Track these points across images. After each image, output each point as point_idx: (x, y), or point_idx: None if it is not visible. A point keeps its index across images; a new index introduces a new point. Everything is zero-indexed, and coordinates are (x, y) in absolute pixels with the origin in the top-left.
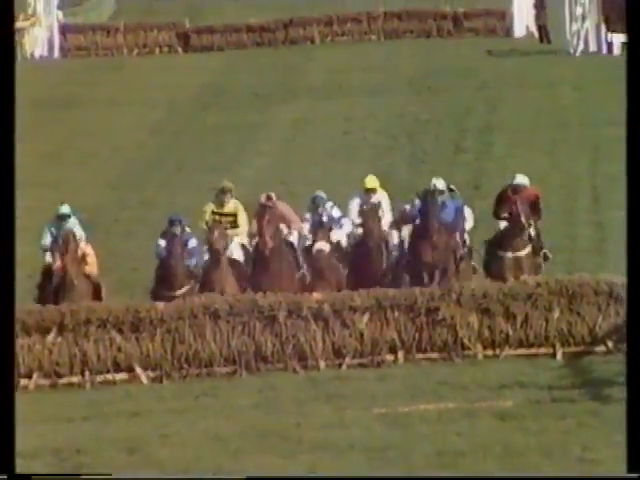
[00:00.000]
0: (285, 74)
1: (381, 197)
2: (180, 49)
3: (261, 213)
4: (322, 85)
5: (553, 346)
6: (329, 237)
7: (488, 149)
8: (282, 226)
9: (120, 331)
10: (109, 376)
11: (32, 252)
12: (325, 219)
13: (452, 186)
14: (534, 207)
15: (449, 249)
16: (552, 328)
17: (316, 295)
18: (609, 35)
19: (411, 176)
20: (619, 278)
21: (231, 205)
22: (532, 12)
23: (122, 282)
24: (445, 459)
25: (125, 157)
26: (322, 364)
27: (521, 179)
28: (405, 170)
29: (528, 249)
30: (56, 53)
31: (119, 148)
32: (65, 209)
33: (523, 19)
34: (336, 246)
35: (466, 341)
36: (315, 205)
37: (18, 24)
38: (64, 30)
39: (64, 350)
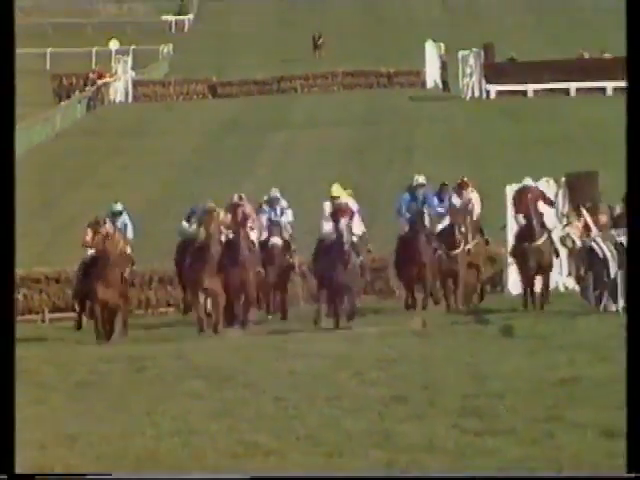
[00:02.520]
0: (278, 113)
1: (346, 201)
2: (210, 96)
3: (234, 210)
4: (302, 120)
5: None
6: (282, 233)
7: (410, 160)
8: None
9: None
10: None
11: None
12: (278, 217)
13: (445, 182)
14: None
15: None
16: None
17: None
18: (487, 86)
19: (365, 179)
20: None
21: None
22: (438, 71)
23: None
24: (382, 364)
25: (175, 168)
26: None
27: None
28: (360, 176)
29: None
30: (130, 99)
31: (170, 161)
32: (118, 206)
33: (432, 76)
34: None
35: None
36: (271, 204)
37: (105, 79)
38: (135, 84)
39: None
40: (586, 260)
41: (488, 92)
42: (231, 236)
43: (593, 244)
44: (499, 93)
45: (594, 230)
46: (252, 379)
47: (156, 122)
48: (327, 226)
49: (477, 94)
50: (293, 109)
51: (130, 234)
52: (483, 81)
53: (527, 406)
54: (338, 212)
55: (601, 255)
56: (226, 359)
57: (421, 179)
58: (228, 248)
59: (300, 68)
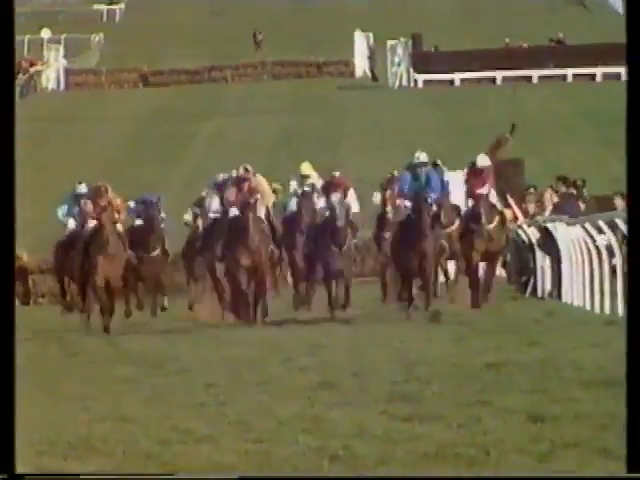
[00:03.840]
0: (209, 101)
1: (316, 181)
2: (141, 85)
3: (239, 184)
4: (232, 109)
5: None
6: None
7: (338, 149)
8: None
9: None
10: None
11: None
12: None
13: (437, 161)
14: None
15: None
16: None
17: None
18: (415, 75)
19: (295, 167)
20: None
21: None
22: (367, 61)
23: None
24: (311, 350)
25: (107, 156)
26: None
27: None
28: (289, 164)
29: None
30: (62, 87)
31: (102, 148)
32: (83, 188)
33: (361, 65)
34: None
35: None
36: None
37: (37, 67)
38: (67, 72)
39: None
40: (512, 247)
41: (416, 81)
42: (236, 213)
43: (519, 231)
44: (427, 82)
45: (520, 217)
46: (183, 366)
47: (88, 110)
48: (294, 204)
49: (405, 83)
50: (223, 98)
51: None
52: (411, 70)
53: (454, 391)
54: (330, 186)
55: (527, 242)
56: (156, 345)
57: (422, 156)
58: (233, 227)
59: (230, 58)
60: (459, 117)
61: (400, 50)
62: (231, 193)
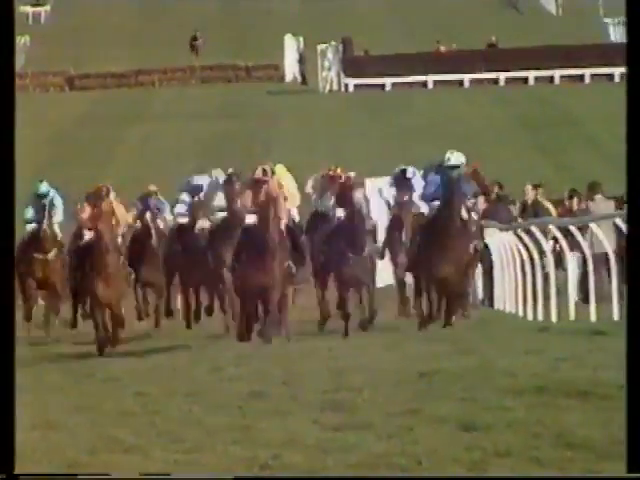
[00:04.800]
0: (136, 105)
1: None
2: (67, 88)
3: (257, 188)
4: (160, 113)
5: None
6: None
7: (268, 154)
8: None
9: None
10: None
11: None
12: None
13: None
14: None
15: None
16: None
17: None
18: (346, 79)
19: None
20: None
21: None
22: (297, 65)
23: None
24: (241, 360)
25: (32, 159)
26: None
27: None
28: (216, 166)
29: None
30: None
31: (27, 152)
32: (44, 187)
33: (291, 69)
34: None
35: None
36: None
37: None
38: None
39: None
40: None
41: (346, 86)
42: (252, 220)
43: None
44: (357, 87)
45: None
46: (112, 374)
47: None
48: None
49: (335, 88)
50: (151, 102)
51: (59, 217)
52: (342, 75)
53: (386, 400)
54: (353, 188)
55: None
56: (85, 353)
57: (453, 158)
58: (247, 239)
59: (157, 61)
60: (390, 122)
61: (330, 54)
62: (246, 197)
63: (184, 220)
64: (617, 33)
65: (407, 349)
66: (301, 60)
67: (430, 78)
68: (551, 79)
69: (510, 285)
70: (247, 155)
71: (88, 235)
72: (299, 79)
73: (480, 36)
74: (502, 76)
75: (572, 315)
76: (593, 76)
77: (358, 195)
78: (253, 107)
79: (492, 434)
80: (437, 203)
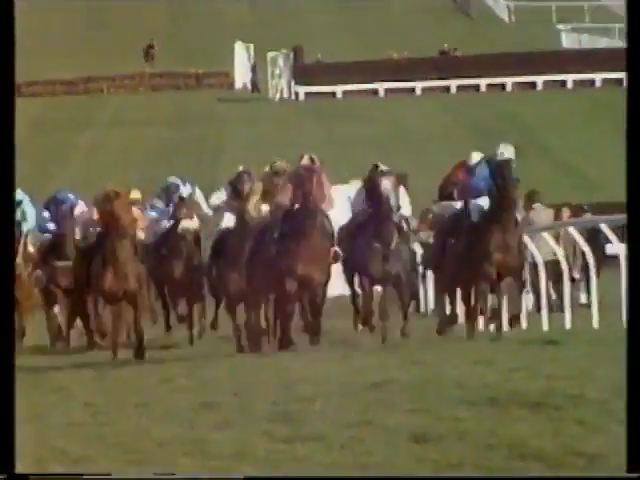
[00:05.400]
0: (85, 113)
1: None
2: (15, 95)
3: (304, 177)
4: (109, 121)
5: None
6: (192, 216)
7: (218, 162)
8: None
9: None
10: None
11: None
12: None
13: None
14: None
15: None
16: None
17: None
18: (296, 87)
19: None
20: None
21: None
22: (248, 73)
23: None
24: (191, 370)
25: None
26: None
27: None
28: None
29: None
30: None
31: None
32: (18, 195)
33: (241, 77)
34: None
35: None
36: (169, 191)
37: None
38: None
39: None
40: None
41: (297, 94)
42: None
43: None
44: (308, 94)
45: None
46: (61, 384)
47: None
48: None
49: (286, 96)
50: (100, 110)
51: (30, 225)
52: (292, 83)
53: (337, 411)
54: (379, 177)
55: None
56: (33, 363)
57: (507, 152)
58: (293, 226)
59: (106, 68)
60: (341, 129)
61: (281, 62)
62: (287, 190)
63: (164, 225)
64: (569, 40)
65: (358, 360)
66: (253, 68)
67: (381, 86)
68: (503, 86)
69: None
70: (197, 162)
71: (92, 237)
72: (249, 87)
73: (433, 44)
74: (454, 83)
75: (524, 324)
76: (545, 83)
77: (385, 183)
78: (203, 114)
79: (444, 445)
80: (481, 201)
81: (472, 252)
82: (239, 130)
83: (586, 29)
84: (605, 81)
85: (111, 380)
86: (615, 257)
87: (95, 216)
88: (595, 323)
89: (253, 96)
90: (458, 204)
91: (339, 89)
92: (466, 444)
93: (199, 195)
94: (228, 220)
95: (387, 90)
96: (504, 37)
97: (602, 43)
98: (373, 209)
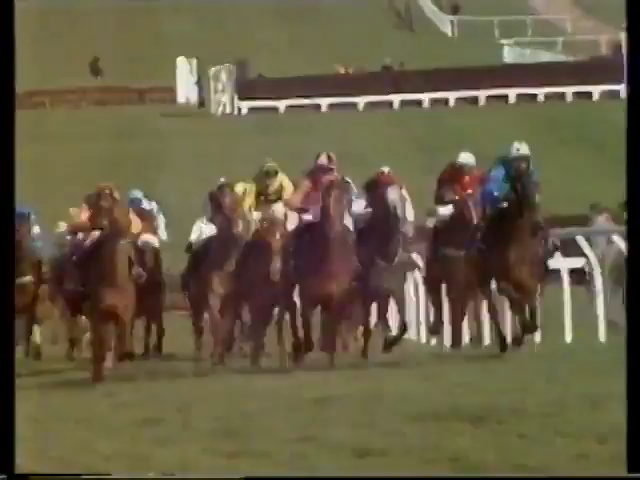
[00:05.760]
0: (27, 127)
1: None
2: None
3: (318, 176)
4: (52, 135)
5: None
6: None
7: (161, 177)
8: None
9: None
10: None
11: None
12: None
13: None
14: None
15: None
16: None
17: None
18: (239, 102)
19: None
20: None
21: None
22: (191, 88)
23: None
24: (133, 385)
25: None
26: None
27: (466, 158)
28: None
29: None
30: None
31: None
32: None
33: (184, 92)
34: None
35: None
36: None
37: None
38: None
39: None
40: None
41: (240, 108)
42: (310, 217)
43: None
44: (251, 109)
45: None
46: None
47: None
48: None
49: (229, 110)
50: (43, 124)
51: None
52: (235, 97)
53: (281, 427)
54: (379, 184)
55: None
56: None
57: (523, 148)
58: (309, 235)
59: (52, 83)
60: (284, 144)
61: (224, 76)
62: (303, 194)
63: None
64: (512, 54)
65: (301, 375)
66: (196, 82)
67: (324, 101)
68: (446, 101)
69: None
70: (139, 178)
71: (89, 236)
72: (192, 102)
73: (376, 58)
74: (397, 98)
75: (466, 339)
76: (488, 98)
77: (392, 193)
78: (146, 129)
79: (387, 460)
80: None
81: (484, 264)
82: (182, 145)
83: (529, 43)
84: (548, 95)
85: (54, 394)
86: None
87: (84, 217)
88: (538, 337)
89: (196, 111)
90: (447, 210)
91: (282, 104)
92: (409, 458)
93: (161, 219)
94: (210, 231)
95: (330, 105)
96: (447, 52)
97: (545, 57)
98: (377, 219)
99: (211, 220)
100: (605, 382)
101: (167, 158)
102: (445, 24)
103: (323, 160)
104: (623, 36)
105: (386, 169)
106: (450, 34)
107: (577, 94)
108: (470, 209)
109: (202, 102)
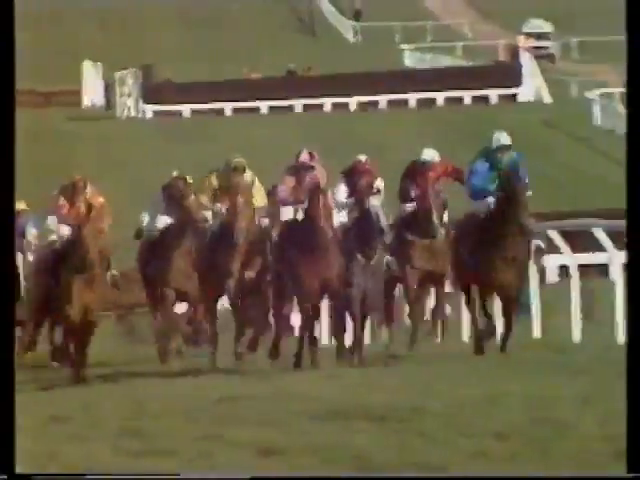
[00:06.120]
0: None
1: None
2: None
3: (301, 174)
4: None
5: None
6: None
7: (67, 174)
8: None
9: None
10: None
11: None
12: None
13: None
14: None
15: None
16: None
17: None
18: (144, 106)
19: (19, 195)
20: None
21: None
22: (97, 91)
23: None
24: (41, 384)
25: None
26: None
27: (429, 154)
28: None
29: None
30: None
31: None
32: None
33: (90, 95)
34: None
35: None
36: None
37: None
38: None
39: None
40: None
41: (144, 112)
42: (299, 215)
43: None
44: (156, 113)
45: None
46: None
47: None
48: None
49: (134, 114)
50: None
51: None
52: (140, 101)
53: (186, 426)
54: (355, 172)
55: None
56: None
57: (503, 138)
58: (291, 236)
59: None
60: (188, 148)
61: (130, 81)
62: (287, 187)
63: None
64: (412, 59)
65: (208, 376)
66: (104, 86)
67: (228, 105)
68: (345, 105)
69: None
70: (46, 183)
71: (64, 232)
72: (98, 105)
73: (280, 63)
74: (299, 103)
75: (368, 339)
76: (389, 102)
77: (374, 201)
78: (52, 133)
79: (290, 458)
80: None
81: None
82: (89, 148)
83: (429, 48)
84: (447, 99)
85: None
86: None
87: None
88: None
89: (102, 114)
90: (411, 207)
91: (186, 108)
92: (312, 457)
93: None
94: (164, 221)
95: (234, 110)
96: (349, 57)
97: (445, 62)
98: (359, 224)
99: (166, 212)
100: (506, 381)
101: (72, 161)
102: (347, 29)
103: (305, 157)
104: (520, 40)
105: (363, 158)
106: (352, 39)
107: (475, 98)
108: (429, 199)
109: (109, 105)
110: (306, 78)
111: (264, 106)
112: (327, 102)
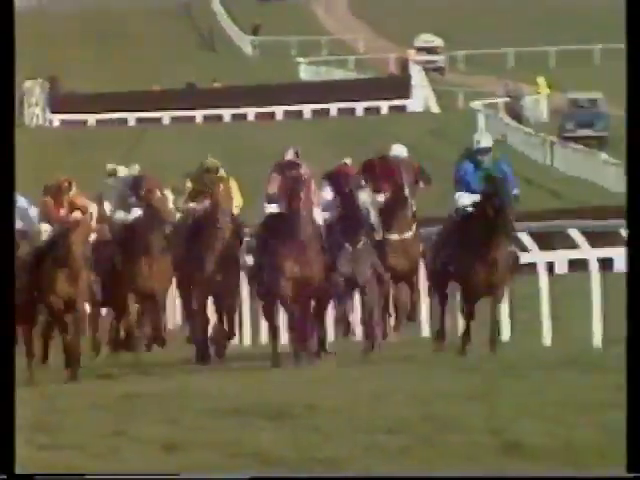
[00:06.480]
0: None
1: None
2: None
3: (285, 172)
4: None
5: None
6: None
7: None
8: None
9: None
10: None
11: None
12: None
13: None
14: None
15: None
16: None
17: None
18: (51, 115)
19: None
20: None
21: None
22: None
23: None
24: None
25: None
26: None
27: (399, 150)
28: None
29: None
30: None
31: None
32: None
33: None
34: None
35: None
36: None
37: None
38: None
39: None
40: None
41: (51, 121)
42: (281, 210)
43: None
44: (63, 122)
45: None
46: None
47: None
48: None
49: (41, 122)
50: None
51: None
52: (47, 110)
53: (93, 421)
54: (340, 173)
55: None
56: None
57: (484, 140)
58: (277, 232)
59: None
60: (93, 156)
61: (37, 91)
62: (273, 184)
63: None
64: (308, 72)
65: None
66: (20, 96)
67: (132, 115)
68: (245, 116)
69: None
70: None
71: (47, 229)
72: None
73: (181, 76)
74: (200, 114)
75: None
76: (285, 113)
77: (364, 197)
78: None
79: (192, 454)
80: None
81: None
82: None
83: (324, 62)
84: (340, 110)
85: None
86: None
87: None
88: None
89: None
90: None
91: (91, 118)
92: (213, 452)
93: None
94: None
95: (138, 120)
96: (247, 70)
97: (339, 75)
98: (347, 218)
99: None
100: (393, 378)
101: None
102: (246, 44)
103: (290, 155)
104: (411, 54)
105: (348, 160)
106: (250, 53)
107: (367, 109)
108: (405, 190)
109: (21, 114)
110: (206, 90)
111: (166, 116)
112: (226, 113)
